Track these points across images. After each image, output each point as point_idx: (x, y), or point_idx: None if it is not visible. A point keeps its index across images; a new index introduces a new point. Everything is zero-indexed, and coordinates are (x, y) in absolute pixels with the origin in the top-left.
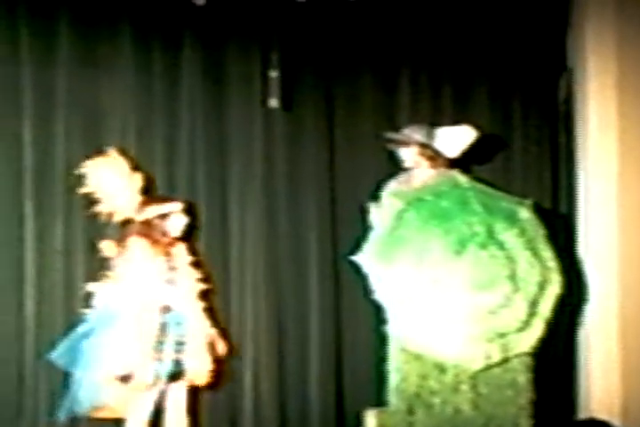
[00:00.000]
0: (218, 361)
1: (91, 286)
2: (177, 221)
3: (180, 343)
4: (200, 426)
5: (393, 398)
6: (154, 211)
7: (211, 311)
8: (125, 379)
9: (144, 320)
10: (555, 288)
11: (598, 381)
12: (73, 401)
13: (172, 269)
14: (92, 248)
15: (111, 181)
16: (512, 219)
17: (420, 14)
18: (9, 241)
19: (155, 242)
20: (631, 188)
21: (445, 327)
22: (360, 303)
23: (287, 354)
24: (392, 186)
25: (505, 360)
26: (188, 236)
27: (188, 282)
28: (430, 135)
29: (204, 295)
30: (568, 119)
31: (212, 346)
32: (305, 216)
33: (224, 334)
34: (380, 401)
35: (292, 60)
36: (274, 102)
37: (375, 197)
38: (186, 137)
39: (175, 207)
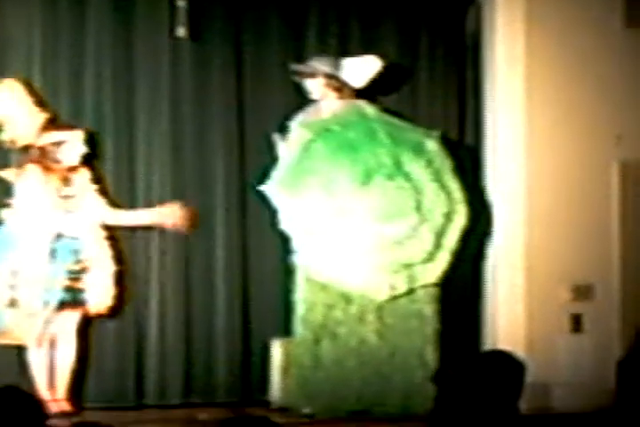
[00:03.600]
0: (119, 292)
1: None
2: (73, 148)
3: (75, 272)
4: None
5: (299, 328)
6: (48, 138)
7: (113, 240)
8: (13, 303)
9: (34, 246)
10: (461, 219)
11: (503, 312)
12: None
13: (68, 196)
14: None
15: (10, 108)
16: (419, 150)
17: None
18: None
19: (48, 169)
20: (537, 120)
21: (351, 258)
22: (267, 233)
23: (193, 283)
24: (300, 117)
25: (411, 291)
26: (89, 164)
27: (90, 210)
28: (336, 66)
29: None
30: (476, 52)
31: (114, 276)
32: (212, 146)
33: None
34: (286, 331)
35: None
36: (181, 32)
37: (282, 128)
38: (92, 66)
39: (72, 135)
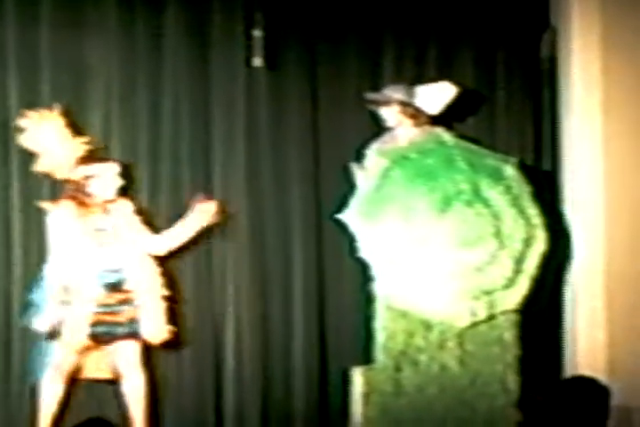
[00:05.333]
0: (176, 321)
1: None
2: (106, 182)
3: (113, 305)
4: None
5: (379, 355)
6: (81, 172)
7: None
8: (52, 336)
9: (65, 281)
10: (540, 245)
11: (584, 337)
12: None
13: (104, 229)
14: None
15: (47, 140)
16: (497, 176)
17: None
18: None
19: (82, 203)
20: (615, 144)
21: (431, 285)
22: (345, 261)
23: (271, 312)
24: (376, 145)
25: (491, 317)
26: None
27: (132, 241)
28: (410, 93)
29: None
30: (551, 77)
31: (168, 306)
32: (289, 175)
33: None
34: (366, 359)
35: (276, 19)
36: (258, 61)
37: (359, 156)
38: (169, 97)
39: (105, 168)
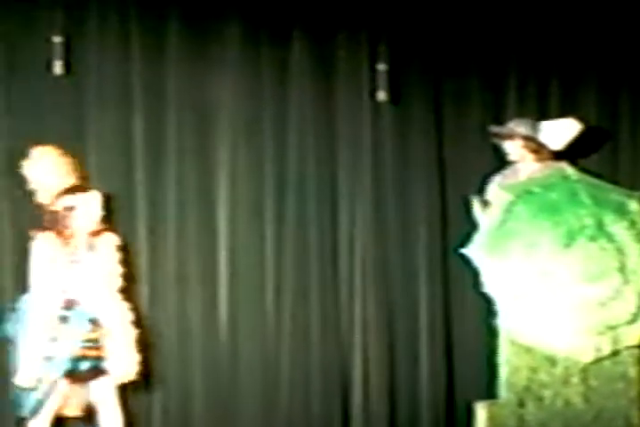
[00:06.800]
0: (144, 361)
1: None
2: (86, 213)
3: (89, 340)
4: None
5: (503, 390)
6: (61, 203)
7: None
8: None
9: (42, 314)
10: None
11: None
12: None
13: (79, 261)
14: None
15: (43, 174)
16: (621, 211)
17: (528, 7)
18: None
19: (61, 234)
20: None
21: (555, 320)
22: (469, 296)
23: (397, 347)
24: (497, 179)
25: (615, 353)
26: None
27: (105, 275)
28: (535, 128)
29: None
30: None
31: (139, 343)
32: (414, 209)
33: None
34: (490, 394)
35: (401, 53)
36: (382, 95)
37: (482, 190)
38: (295, 130)
39: (85, 199)
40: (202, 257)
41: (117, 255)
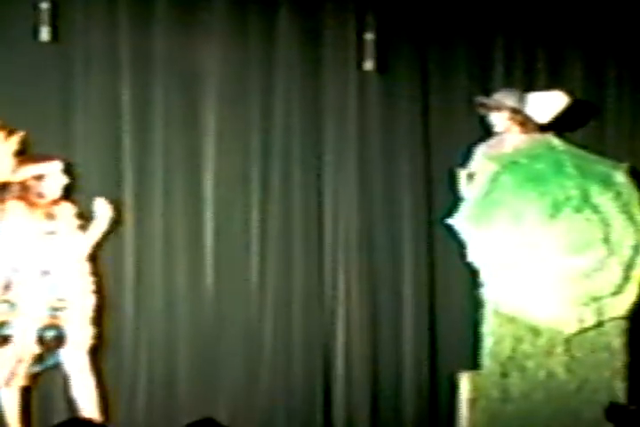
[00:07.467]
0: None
1: None
2: (55, 181)
3: (55, 309)
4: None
5: (487, 361)
6: (27, 172)
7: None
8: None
9: (18, 284)
10: None
11: None
12: None
13: (52, 232)
14: None
15: None
16: (607, 182)
17: None
18: None
19: (32, 204)
20: None
21: (540, 291)
22: (454, 267)
23: (380, 317)
24: (482, 149)
25: (599, 324)
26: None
27: (72, 245)
28: (522, 100)
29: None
30: None
31: (96, 313)
32: (399, 179)
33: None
34: (473, 364)
35: (388, 23)
36: (369, 65)
37: (466, 160)
38: (281, 99)
39: (51, 167)
40: (188, 223)
41: (78, 223)
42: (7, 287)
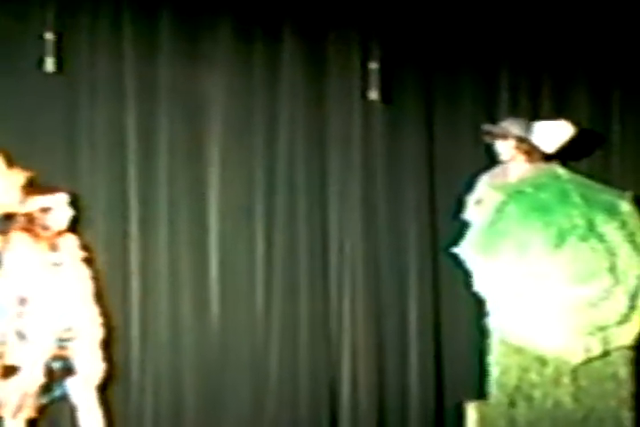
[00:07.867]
0: (109, 362)
1: None
2: (60, 213)
3: (63, 340)
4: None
5: (494, 390)
6: (34, 204)
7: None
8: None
9: (24, 315)
10: None
11: None
12: None
13: (57, 264)
14: None
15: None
16: (612, 211)
17: (522, 8)
18: None
19: (37, 236)
20: None
21: (546, 320)
22: (460, 296)
23: (386, 346)
24: (486, 178)
25: (605, 353)
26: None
27: (77, 276)
28: (528, 129)
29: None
30: None
31: (104, 345)
32: (404, 208)
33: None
34: (480, 394)
35: (392, 52)
36: (373, 94)
37: (471, 189)
38: (286, 129)
39: (57, 199)
40: (193, 254)
41: (82, 254)
42: (15, 318)
